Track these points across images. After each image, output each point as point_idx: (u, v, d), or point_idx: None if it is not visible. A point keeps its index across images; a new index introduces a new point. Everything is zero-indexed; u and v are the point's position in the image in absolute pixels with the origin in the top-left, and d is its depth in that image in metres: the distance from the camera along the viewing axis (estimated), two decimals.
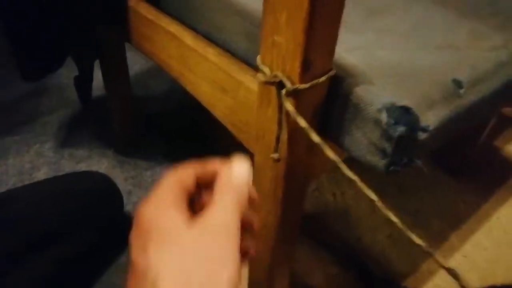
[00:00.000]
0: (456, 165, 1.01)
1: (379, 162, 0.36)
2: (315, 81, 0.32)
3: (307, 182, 0.45)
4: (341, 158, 0.49)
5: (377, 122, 0.34)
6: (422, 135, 0.34)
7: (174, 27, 0.51)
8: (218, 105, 0.46)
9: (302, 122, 0.31)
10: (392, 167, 0.35)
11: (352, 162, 0.37)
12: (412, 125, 0.33)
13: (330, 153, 0.31)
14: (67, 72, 0.74)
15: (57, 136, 0.95)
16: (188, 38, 0.49)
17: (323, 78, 0.33)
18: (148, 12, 0.55)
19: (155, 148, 0.94)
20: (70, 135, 0.96)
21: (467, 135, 0.96)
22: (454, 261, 0.83)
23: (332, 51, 0.33)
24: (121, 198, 0.77)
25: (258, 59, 0.35)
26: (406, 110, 0.34)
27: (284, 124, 0.35)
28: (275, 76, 0.32)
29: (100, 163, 0.88)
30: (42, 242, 0.61)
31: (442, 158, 1.04)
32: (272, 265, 0.54)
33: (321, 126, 0.39)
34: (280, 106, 0.33)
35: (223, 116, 0.47)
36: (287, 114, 0.33)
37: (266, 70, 0.33)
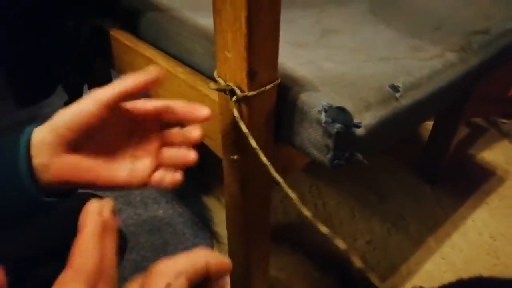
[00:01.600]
0: (432, 173, 1.06)
1: (325, 157, 0.41)
2: (261, 89, 0.38)
3: (269, 184, 0.50)
4: (303, 163, 0.54)
5: (318, 121, 0.39)
6: (358, 131, 0.39)
7: (149, 52, 0.57)
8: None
9: (243, 127, 0.36)
10: (336, 161, 0.40)
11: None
12: (347, 122, 0.38)
13: (263, 157, 0.36)
14: (59, 100, 0.80)
15: None
16: (161, 60, 0.55)
17: (269, 86, 0.38)
18: (127, 40, 0.61)
19: None
20: None
21: (441, 144, 1.02)
22: (432, 263, 0.87)
23: (275, 63, 0.38)
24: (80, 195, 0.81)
25: (215, 73, 0.41)
26: (341, 110, 0.39)
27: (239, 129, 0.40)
28: (227, 85, 0.38)
29: None
30: (28, 265, 0.64)
31: (419, 167, 1.09)
32: (249, 268, 0.58)
33: (276, 130, 0.45)
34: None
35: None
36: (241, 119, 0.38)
37: (221, 81, 0.39)
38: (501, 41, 0.59)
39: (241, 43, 0.35)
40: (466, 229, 0.95)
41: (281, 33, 0.56)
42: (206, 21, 0.52)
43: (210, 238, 0.88)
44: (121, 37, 0.62)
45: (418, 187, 1.05)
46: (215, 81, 0.42)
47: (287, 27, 0.58)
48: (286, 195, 0.34)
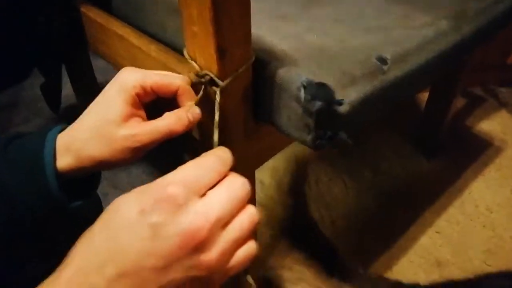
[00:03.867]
0: (429, 146, 1.04)
1: (306, 137, 0.38)
2: (234, 75, 0.35)
3: (251, 167, 0.47)
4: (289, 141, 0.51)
5: (298, 99, 0.37)
6: (341, 109, 0.37)
7: (122, 30, 0.54)
8: None
9: (216, 117, 0.34)
10: (318, 141, 0.38)
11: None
12: (328, 99, 0.36)
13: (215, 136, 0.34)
14: (37, 81, 0.77)
15: None
16: (133, 37, 0.51)
17: (241, 69, 0.35)
18: (99, 17, 0.58)
19: None
20: None
21: (437, 116, 0.99)
22: (427, 237, 0.86)
23: (247, 39, 0.35)
24: (98, 201, 0.80)
25: (185, 53, 0.38)
26: (322, 85, 0.36)
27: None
28: (204, 75, 0.35)
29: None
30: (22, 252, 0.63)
31: (415, 139, 1.06)
32: None
33: (256, 108, 0.42)
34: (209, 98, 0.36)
35: None
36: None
37: (192, 63, 0.36)
38: (497, 7, 0.55)
39: (207, 16, 0.31)
40: (462, 201, 0.93)
41: (261, 4, 0.52)
42: None
43: None
44: (93, 15, 0.59)
45: (414, 160, 1.03)
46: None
47: None
48: None
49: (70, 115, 0.38)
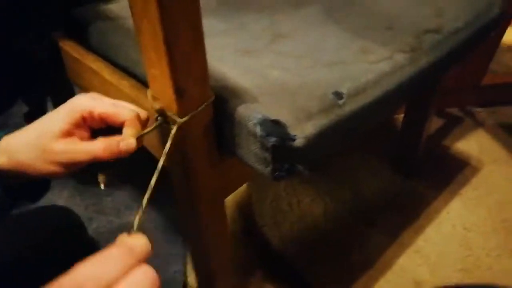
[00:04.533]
0: (406, 166, 1.06)
1: (265, 170, 0.40)
2: (191, 113, 0.37)
3: (220, 196, 0.49)
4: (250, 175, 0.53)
5: (255, 135, 0.39)
6: (296, 143, 0.39)
7: (96, 64, 0.56)
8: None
9: (161, 161, 0.35)
10: (276, 173, 0.40)
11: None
12: (282, 135, 0.38)
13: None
14: (20, 111, 0.79)
15: None
16: (106, 73, 0.53)
17: (200, 108, 0.38)
18: (76, 52, 0.60)
19: (113, 174, 0.98)
20: None
21: (412, 137, 1.01)
22: (406, 257, 0.87)
23: (204, 79, 0.37)
24: (81, 227, 0.81)
25: (148, 93, 0.40)
26: (276, 122, 0.38)
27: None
28: (160, 113, 0.37)
29: (61, 193, 0.92)
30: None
31: (393, 160, 1.09)
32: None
33: (219, 142, 0.44)
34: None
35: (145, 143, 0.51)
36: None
37: (154, 104, 0.38)
38: (453, 40, 0.59)
39: (164, 61, 0.34)
40: (440, 221, 0.95)
41: (229, 39, 0.55)
42: None
43: (182, 243, 0.87)
44: (70, 49, 0.61)
45: (392, 180, 1.05)
46: None
47: (237, 32, 0.58)
48: None
49: None
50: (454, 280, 0.83)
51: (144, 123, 0.38)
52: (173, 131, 0.36)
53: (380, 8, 0.65)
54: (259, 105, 0.41)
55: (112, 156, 0.36)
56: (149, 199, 0.32)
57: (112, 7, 0.65)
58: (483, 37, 0.66)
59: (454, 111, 1.30)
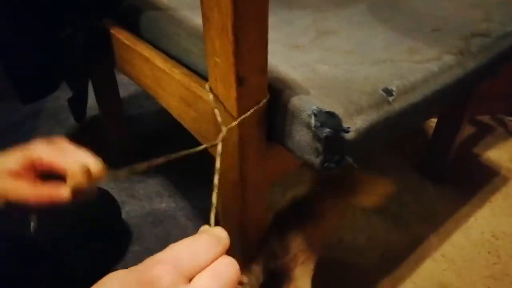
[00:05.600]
0: (436, 172, 1.05)
1: (315, 160, 0.41)
2: (245, 115, 0.39)
3: (264, 183, 0.50)
4: (298, 163, 0.54)
5: (308, 125, 0.40)
6: (348, 135, 0.40)
7: (148, 52, 0.58)
8: (185, 118, 0.53)
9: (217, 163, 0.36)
10: (326, 164, 0.41)
11: None
12: (336, 127, 0.39)
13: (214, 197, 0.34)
14: (63, 95, 0.82)
15: None
16: (158, 60, 0.55)
17: (252, 110, 0.39)
18: (127, 39, 0.62)
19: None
20: None
21: (444, 143, 1.01)
22: (432, 260, 0.87)
23: (263, 70, 0.39)
24: (118, 207, 0.84)
25: (206, 87, 0.41)
26: (331, 114, 0.39)
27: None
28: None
29: None
30: (44, 255, 0.67)
31: (423, 165, 1.08)
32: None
33: (269, 130, 0.45)
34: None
35: (190, 127, 0.53)
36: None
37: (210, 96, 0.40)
38: (500, 44, 0.59)
39: (229, 49, 0.35)
40: (468, 227, 0.94)
41: (276, 34, 0.57)
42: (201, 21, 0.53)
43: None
44: (121, 36, 0.63)
45: (421, 185, 1.05)
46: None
47: (283, 27, 0.59)
48: None
49: (93, 125, 0.42)
50: (481, 287, 0.82)
51: (95, 175, 0.41)
52: (218, 159, 0.37)
53: (425, 9, 0.65)
54: (312, 97, 0.42)
55: (41, 203, 0.40)
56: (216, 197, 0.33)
57: None
58: None
59: (486, 119, 1.28)
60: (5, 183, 0.40)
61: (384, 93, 0.45)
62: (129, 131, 1.00)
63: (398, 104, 0.46)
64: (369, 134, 0.43)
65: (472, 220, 0.96)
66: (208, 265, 0.25)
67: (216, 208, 0.32)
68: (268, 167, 0.49)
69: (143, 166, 0.36)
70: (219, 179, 0.34)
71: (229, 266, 0.26)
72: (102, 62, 0.78)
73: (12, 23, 0.66)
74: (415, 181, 1.06)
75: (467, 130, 1.23)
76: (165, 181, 0.99)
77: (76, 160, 0.41)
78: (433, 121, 1.04)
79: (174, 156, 0.37)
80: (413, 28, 0.60)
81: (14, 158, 0.41)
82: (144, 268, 0.24)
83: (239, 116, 0.40)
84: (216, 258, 0.26)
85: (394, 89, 0.46)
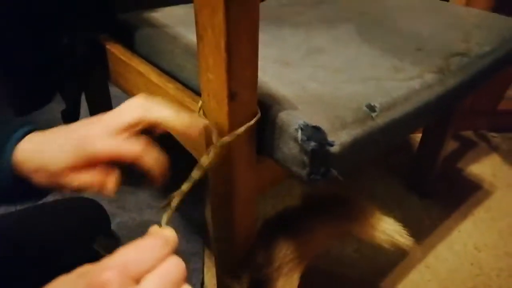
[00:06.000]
0: (421, 185, 1.08)
1: (302, 172, 0.43)
2: (238, 131, 0.41)
3: (253, 194, 0.52)
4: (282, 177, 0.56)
5: (295, 139, 0.42)
6: (333, 149, 0.42)
7: (142, 67, 0.60)
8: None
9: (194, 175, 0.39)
10: (312, 176, 0.43)
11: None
12: (321, 140, 0.41)
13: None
14: (57, 107, 0.83)
15: None
16: (153, 75, 0.57)
17: (242, 128, 0.41)
18: (122, 54, 0.64)
19: (138, 175, 1.02)
20: None
21: (428, 158, 1.04)
22: (416, 272, 0.89)
23: (254, 85, 0.41)
24: (107, 218, 0.85)
25: (199, 103, 0.44)
26: (317, 128, 0.42)
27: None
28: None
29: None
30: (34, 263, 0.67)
31: (409, 178, 1.11)
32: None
33: (258, 144, 0.47)
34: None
35: (182, 140, 0.55)
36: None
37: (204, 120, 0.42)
38: (479, 63, 0.62)
39: (222, 66, 0.37)
40: (451, 239, 0.97)
41: (268, 50, 0.59)
42: (195, 38, 0.55)
43: (202, 243, 0.90)
44: (116, 51, 0.65)
45: (407, 198, 1.08)
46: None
47: (277, 44, 0.62)
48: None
49: None
50: None
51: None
52: (214, 150, 0.39)
53: (408, 30, 0.69)
54: (299, 112, 0.44)
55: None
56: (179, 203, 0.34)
57: (157, 15, 0.70)
58: (509, 62, 0.69)
59: (469, 134, 1.32)
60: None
61: (367, 109, 0.48)
62: None
63: (381, 120, 0.48)
64: (354, 148, 0.45)
65: (455, 232, 0.99)
66: (155, 266, 0.26)
67: (172, 210, 0.33)
68: (257, 179, 0.51)
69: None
70: (211, 191, 0.36)
71: (176, 266, 0.27)
72: (97, 75, 0.80)
73: (12, 31, 0.68)
74: (401, 194, 1.09)
75: (451, 145, 1.27)
76: (155, 193, 1.01)
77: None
78: (419, 136, 1.07)
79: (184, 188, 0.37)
80: (397, 48, 0.63)
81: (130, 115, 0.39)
82: (92, 273, 0.25)
83: (231, 130, 0.42)
84: (164, 259, 0.27)
85: (377, 105, 0.49)
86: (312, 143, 0.41)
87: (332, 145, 0.41)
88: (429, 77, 0.56)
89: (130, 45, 0.66)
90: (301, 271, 0.64)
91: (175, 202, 0.35)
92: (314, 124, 0.42)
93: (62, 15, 0.71)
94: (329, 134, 0.43)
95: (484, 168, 1.19)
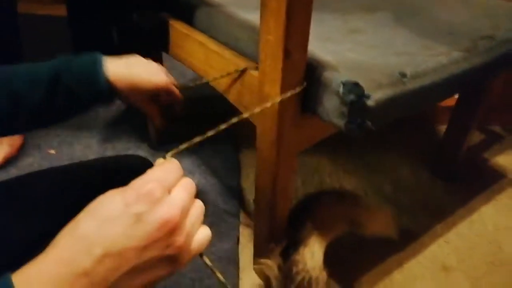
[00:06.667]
0: (446, 172, 1.14)
1: (341, 122, 0.51)
2: (289, 93, 0.49)
3: (295, 149, 0.61)
4: (324, 134, 0.64)
5: (337, 93, 0.50)
6: (368, 102, 0.50)
7: (202, 38, 0.69)
8: (230, 91, 0.64)
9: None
10: (350, 125, 0.51)
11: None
12: (359, 94, 0.49)
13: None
14: None
15: (102, 132, 1.16)
16: (212, 45, 0.67)
17: (295, 90, 0.50)
18: (184, 28, 0.74)
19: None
20: (112, 131, 1.16)
21: (453, 146, 1.09)
22: (436, 245, 0.95)
23: (305, 47, 0.50)
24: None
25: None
26: (356, 84, 0.50)
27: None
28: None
29: (136, 153, 1.06)
30: None
31: (434, 165, 1.17)
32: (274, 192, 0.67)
33: (303, 101, 0.56)
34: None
35: (234, 100, 0.64)
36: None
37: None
38: (504, 46, 0.68)
39: (281, 28, 0.46)
40: (472, 220, 1.02)
41: (314, 30, 0.67)
42: (247, 15, 0.65)
43: (238, 206, 0.99)
44: (178, 26, 0.75)
45: (431, 183, 1.13)
46: (256, 61, 0.54)
47: (319, 25, 0.70)
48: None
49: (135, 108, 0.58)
50: (481, 271, 0.90)
51: None
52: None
53: (443, 17, 0.76)
54: (341, 73, 0.53)
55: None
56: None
57: None
58: None
59: (497, 129, 1.37)
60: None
61: (399, 75, 0.55)
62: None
63: (411, 85, 0.56)
64: (386, 105, 0.53)
65: (476, 214, 1.04)
66: (176, 183, 0.34)
67: (178, 150, 0.40)
68: (300, 135, 0.60)
69: (198, 139, 0.41)
70: (257, 146, 0.43)
71: (191, 183, 0.34)
72: (156, 48, 0.90)
73: (89, 13, 0.79)
74: (426, 178, 1.15)
75: (479, 137, 1.32)
76: (196, 161, 1.11)
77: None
78: (445, 127, 1.13)
79: (223, 126, 0.43)
80: (430, 31, 0.70)
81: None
82: (137, 186, 0.32)
83: (283, 86, 0.51)
84: (180, 178, 0.34)
85: (408, 73, 0.56)
86: (352, 96, 0.49)
87: (368, 98, 0.49)
88: (456, 54, 0.63)
89: (189, 22, 0.76)
90: (326, 245, 0.72)
91: (183, 146, 0.41)
92: (354, 80, 0.50)
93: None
94: (366, 92, 0.51)
95: (509, 159, 1.23)
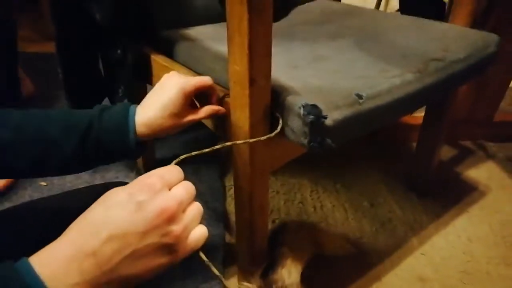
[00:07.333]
0: (419, 185, 1.20)
1: (304, 141, 0.57)
2: (268, 135, 0.55)
3: (268, 167, 0.66)
4: (296, 153, 0.70)
5: (299, 115, 0.56)
6: (327, 122, 0.56)
7: (182, 71, 0.76)
8: (210, 119, 0.70)
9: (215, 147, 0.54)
10: (311, 143, 0.57)
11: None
12: (318, 115, 0.55)
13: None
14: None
15: None
16: (190, 75, 0.73)
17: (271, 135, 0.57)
18: (164, 61, 0.81)
19: None
20: None
21: (424, 161, 1.16)
22: (413, 258, 1.00)
23: (268, 75, 0.56)
24: None
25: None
26: (314, 106, 0.56)
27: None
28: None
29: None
30: None
31: (410, 180, 1.23)
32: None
33: (271, 123, 0.62)
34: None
35: (212, 126, 0.70)
36: None
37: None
38: (453, 67, 0.76)
39: (245, 59, 0.53)
40: (446, 232, 1.08)
41: (280, 58, 0.75)
42: (221, 48, 0.71)
43: (223, 229, 1.03)
44: (159, 59, 0.82)
45: (406, 196, 1.19)
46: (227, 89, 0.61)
47: (288, 53, 0.77)
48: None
49: None
50: (454, 279, 0.95)
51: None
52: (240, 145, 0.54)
53: (398, 42, 0.83)
54: (302, 97, 0.59)
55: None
56: (186, 158, 0.47)
57: (191, 32, 0.87)
58: (481, 69, 0.83)
59: (467, 144, 1.44)
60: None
61: (356, 97, 0.62)
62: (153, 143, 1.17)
63: (367, 105, 0.62)
64: (344, 124, 0.59)
65: (450, 226, 1.10)
66: (177, 183, 0.38)
67: (179, 159, 0.46)
68: (271, 154, 0.65)
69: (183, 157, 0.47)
70: (233, 168, 0.50)
71: (191, 185, 0.39)
72: (140, 80, 0.96)
73: (73, 49, 0.85)
74: (401, 194, 1.21)
75: (450, 152, 1.39)
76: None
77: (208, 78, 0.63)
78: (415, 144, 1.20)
79: (206, 151, 0.52)
80: (387, 55, 0.77)
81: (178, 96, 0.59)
82: (141, 179, 0.37)
83: (251, 109, 0.57)
84: (181, 180, 0.39)
85: (364, 94, 0.63)
86: (311, 117, 0.55)
87: (325, 118, 0.55)
88: (409, 76, 0.70)
89: (170, 55, 0.83)
90: (303, 265, 0.79)
91: (183, 156, 0.47)
92: (312, 103, 0.56)
93: (116, 33, 0.88)
94: (324, 113, 0.57)
95: (480, 172, 1.30)
